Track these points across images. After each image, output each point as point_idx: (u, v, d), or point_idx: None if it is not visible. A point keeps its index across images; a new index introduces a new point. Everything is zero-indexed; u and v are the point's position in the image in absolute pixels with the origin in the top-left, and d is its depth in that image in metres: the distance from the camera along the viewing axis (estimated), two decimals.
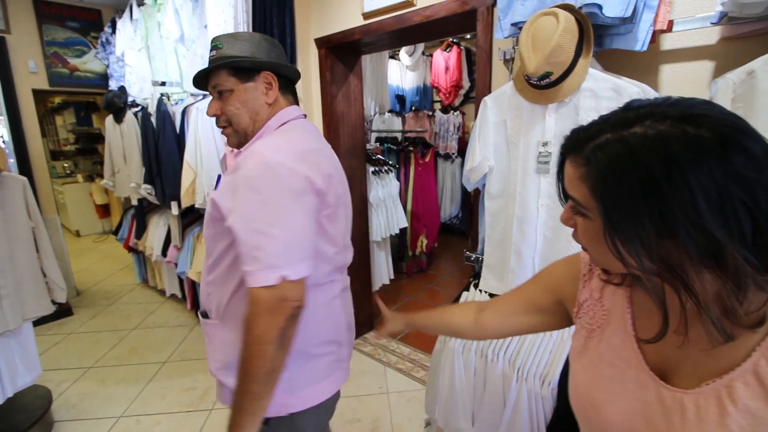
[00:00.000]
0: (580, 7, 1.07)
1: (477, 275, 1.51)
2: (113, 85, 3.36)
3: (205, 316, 0.93)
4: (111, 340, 2.94)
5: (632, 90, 1.05)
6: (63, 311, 3.19)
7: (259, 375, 0.72)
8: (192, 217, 3.02)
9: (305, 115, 0.97)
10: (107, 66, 3.48)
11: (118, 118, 3.04)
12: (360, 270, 2.83)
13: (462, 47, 4.53)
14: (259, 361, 0.72)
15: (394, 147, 3.84)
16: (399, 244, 3.88)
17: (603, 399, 0.52)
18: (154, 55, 2.76)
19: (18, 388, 1.96)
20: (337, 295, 0.96)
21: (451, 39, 4.52)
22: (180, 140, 2.55)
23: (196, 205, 2.45)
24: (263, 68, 0.89)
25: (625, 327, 0.53)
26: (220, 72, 0.88)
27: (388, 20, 1.98)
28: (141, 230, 3.34)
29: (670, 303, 0.45)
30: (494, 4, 1.57)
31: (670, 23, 1.14)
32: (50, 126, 5.03)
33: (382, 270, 3.28)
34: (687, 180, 0.36)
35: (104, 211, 5.47)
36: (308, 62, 2.43)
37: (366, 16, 2.08)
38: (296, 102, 0.97)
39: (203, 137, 2.30)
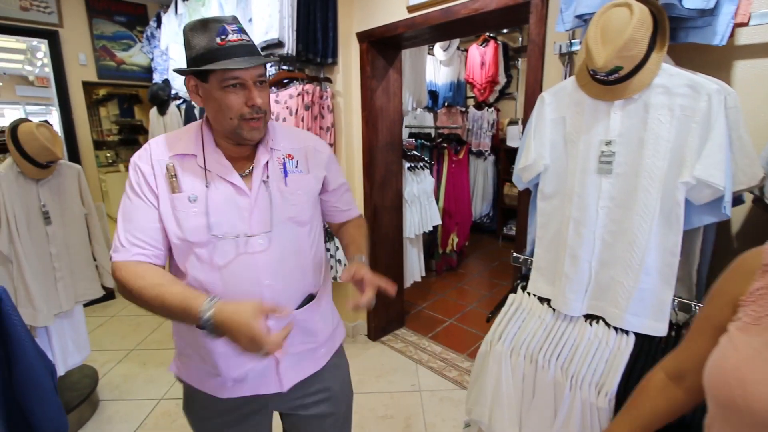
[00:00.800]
0: None
1: (524, 277, 1.46)
2: (157, 78, 3.46)
3: (309, 300, 1.00)
4: (151, 324, 3.05)
5: (711, 87, 0.98)
6: (107, 294, 3.33)
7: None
8: None
9: None
10: (151, 59, 3.58)
11: (162, 110, 3.13)
12: (392, 266, 2.81)
13: (499, 42, 4.42)
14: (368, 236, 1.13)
15: (427, 143, 3.80)
16: (430, 241, 3.85)
17: (754, 378, 0.49)
18: None
19: (69, 367, 2.05)
20: None
21: (488, 33, 4.42)
22: None
23: None
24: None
25: None
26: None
27: (434, 13, 1.94)
28: None
29: None
30: None
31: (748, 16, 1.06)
32: (95, 117, 5.26)
33: (414, 267, 3.26)
34: None
35: None
36: (349, 56, 2.42)
37: (411, 9, 2.04)
38: None
39: None
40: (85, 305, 2.13)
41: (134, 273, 0.81)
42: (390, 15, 2.17)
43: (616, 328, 1.18)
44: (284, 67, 2.38)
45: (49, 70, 3.31)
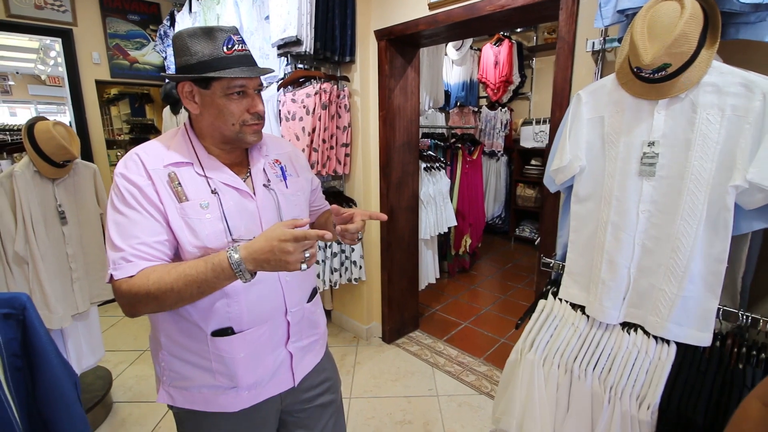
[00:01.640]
0: None
1: (554, 282, 1.41)
2: None
3: (315, 293, 1.07)
4: None
5: (766, 86, 0.93)
6: None
7: None
8: None
9: None
10: (164, 58, 3.57)
11: (175, 109, 3.11)
12: (407, 268, 2.77)
13: (513, 41, 4.36)
14: None
15: (441, 143, 3.75)
16: (442, 242, 3.80)
17: None
18: None
19: (83, 369, 2.03)
20: None
21: (502, 33, 4.37)
22: None
23: None
24: None
25: None
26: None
27: (457, 10, 1.89)
28: None
29: None
30: None
31: None
32: (106, 116, 5.27)
33: (429, 269, 3.22)
34: None
35: None
36: (366, 54, 2.38)
37: (432, 6, 2.00)
38: None
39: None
40: (98, 305, 2.11)
41: (141, 277, 0.76)
42: (410, 12, 2.13)
43: (656, 337, 1.13)
44: (300, 66, 2.34)
45: (62, 69, 3.30)
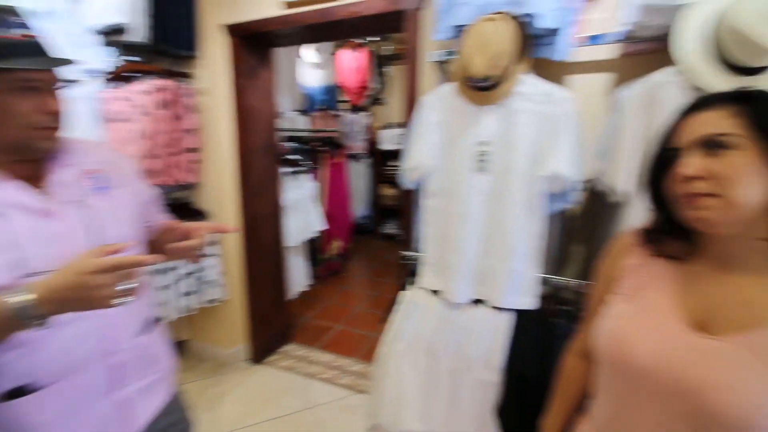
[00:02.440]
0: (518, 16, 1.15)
1: (412, 274, 1.51)
2: None
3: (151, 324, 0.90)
4: None
5: (560, 94, 1.16)
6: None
7: None
8: None
9: None
10: None
11: None
12: (274, 278, 2.65)
13: (373, 49, 4.57)
14: None
15: (305, 146, 3.70)
16: (311, 247, 3.75)
17: (635, 339, 0.59)
18: None
19: None
20: None
21: (360, 40, 4.53)
22: None
23: None
24: None
25: (665, 290, 0.61)
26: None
27: (312, 12, 1.88)
28: None
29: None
30: (422, 6, 1.60)
31: (583, 38, 1.28)
32: None
33: (299, 276, 3.13)
34: None
35: None
36: (215, 50, 2.19)
37: (288, 5, 1.94)
38: None
39: None
40: None
41: None
42: (264, 9, 2.02)
43: (499, 309, 1.31)
44: (134, 59, 2.01)
45: None
